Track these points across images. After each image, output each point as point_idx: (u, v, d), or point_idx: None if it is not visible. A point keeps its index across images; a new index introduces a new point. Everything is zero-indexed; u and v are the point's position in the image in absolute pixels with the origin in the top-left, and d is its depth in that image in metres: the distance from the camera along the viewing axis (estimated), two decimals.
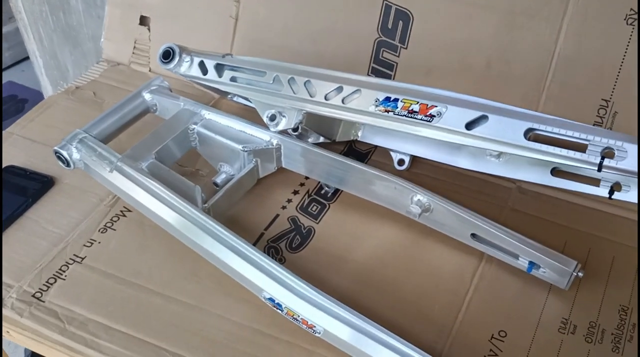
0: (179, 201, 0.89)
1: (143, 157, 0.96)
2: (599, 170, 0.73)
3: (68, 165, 0.99)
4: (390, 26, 1.07)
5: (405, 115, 0.82)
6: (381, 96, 0.85)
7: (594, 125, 0.98)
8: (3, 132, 1.16)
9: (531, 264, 0.87)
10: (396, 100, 0.83)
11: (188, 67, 1.03)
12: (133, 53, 1.29)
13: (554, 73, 0.99)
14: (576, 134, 0.74)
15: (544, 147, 0.76)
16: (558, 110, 1.00)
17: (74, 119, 1.16)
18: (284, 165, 1.02)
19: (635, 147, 0.70)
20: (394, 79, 1.09)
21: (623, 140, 0.71)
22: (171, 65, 1.03)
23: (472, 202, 0.99)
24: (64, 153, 0.98)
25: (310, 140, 1.02)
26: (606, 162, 0.72)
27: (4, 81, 2.50)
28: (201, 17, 1.21)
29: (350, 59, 1.11)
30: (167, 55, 1.03)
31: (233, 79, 0.99)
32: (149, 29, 1.26)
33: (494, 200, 1.01)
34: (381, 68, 1.09)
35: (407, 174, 1.04)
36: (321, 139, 1.03)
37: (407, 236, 0.95)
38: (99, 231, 0.97)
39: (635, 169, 0.70)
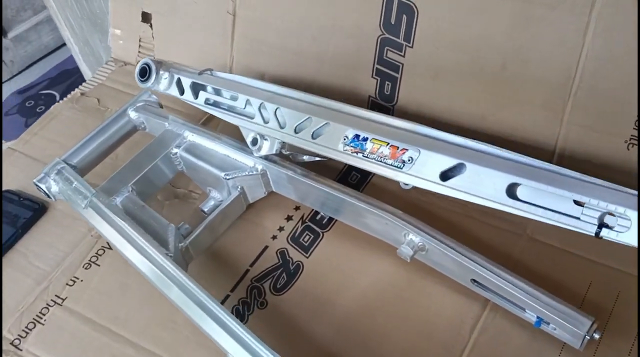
0: (149, 245, 0.80)
1: (118, 190, 0.88)
2: (598, 237, 0.57)
3: (49, 197, 0.92)
4: (393, 21, 0.91)
5: (375, 159, 0.68)
6: (350, 133, 0.71)
7: (630, 140, 0.79)
8: (10, 145, 1.11)
9: (539, 319, 0.72)
10: (365, 139, 0.70)
11: (167, 85, 0.92)
12: (139, 52, 1.19)
13: (582, 76, 0.80)
14: (568, 194, 0.57)
15: (528, 207, 0.60)
16: (587, 121, 0.82)
17: (76, 131, 1.09)
18: (274, 190, 0.90)
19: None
20: (400, 82, 0.93)
21: (626, 205, 0.54)
22: (149, 84, 0.92)
23: (484, 228, 0.85)
24: (43, 187, 0.91)
25: (305, 158, 0.89)
26: (604, 232, 0.56)
27: (65, 56, 2.45)
28: (200, 13, 1.09)
29: (353, 59, 0.96)
30: (144, 73, 0.92)
31: (208, 102, 0.88)
32: (151, 26, 1.15)
33: (510, 226, 0.85)
34: (386, 69, 0.94)
35: (414, 193, 0.89)
36: (317, 158, 0.90)
37: (403, 275, 0.82)
38: (83, 267, 0.90)
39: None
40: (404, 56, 0.92)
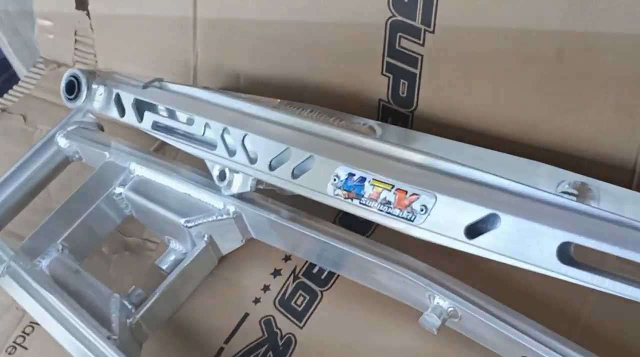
0: (84, 326, 0.78)
1: (45, 249, 0.86)
2: None
3: None
4: None
5: (377, 208, 0.65)
6: (342, 172, 0.67)
7: None
8: None
9: None
10: (363, 180, 0.66)
11: (104, 103, 0.90)
12: (75, 49, 1.17)
13: None
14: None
15: (588, 276, 0.56)
16: None
17: None
18: (254, 237, 0.87)
19: None
20: (419, 80, 0.91)
21: None
22: (79, 102, 0.91)
23: (539, 279, 0.77)
24: None
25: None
26: None
27: None
28: None
29: (356, 51, 0.95)
30: (72, 88, 0.90)
31: (157, 125, 0.85)
32: (88, 15, 1.13)
33: None
34: (400, 63, 0.92)
35: None
36: None
37: (430, 350, 0.79)
38: (6, 351, 0.89)
39: None
40: (423, 45, 0.90)
